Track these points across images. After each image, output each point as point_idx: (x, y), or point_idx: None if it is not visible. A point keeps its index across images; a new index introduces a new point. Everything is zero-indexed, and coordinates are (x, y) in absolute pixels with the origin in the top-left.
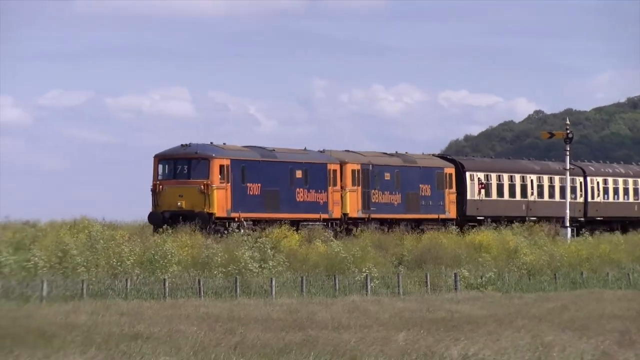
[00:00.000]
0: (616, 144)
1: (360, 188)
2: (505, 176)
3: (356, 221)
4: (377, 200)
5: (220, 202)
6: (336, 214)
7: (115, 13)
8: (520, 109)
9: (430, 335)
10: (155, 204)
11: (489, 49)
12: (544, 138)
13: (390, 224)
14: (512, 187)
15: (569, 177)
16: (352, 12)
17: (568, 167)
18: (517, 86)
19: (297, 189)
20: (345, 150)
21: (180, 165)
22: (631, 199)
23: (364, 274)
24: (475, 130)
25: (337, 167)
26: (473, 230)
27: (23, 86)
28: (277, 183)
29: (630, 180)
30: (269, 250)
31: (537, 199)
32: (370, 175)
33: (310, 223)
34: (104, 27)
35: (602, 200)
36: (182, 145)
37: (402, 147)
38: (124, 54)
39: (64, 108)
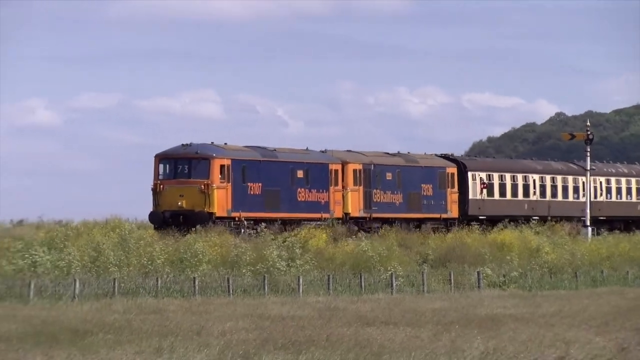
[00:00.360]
0: (636, 145)
1: (361, 188)
2: (508, 176)
3: (358, 220)
4: (378, 200)
5: (220, 201)
6: (337, 213)
7: (146, 17)
8: (542, 111)
9: (454, 331)
10: (155, 203)
11: (511, 52)
12: (565, 139)
13: (392, 223)
14: (514, 187)
15: (588, 177)
16: (378, 15)
17: (589, 168)
18: (538, 88)
19: (298, 189)
20: (347, 150)
21: (180, 165)
22: (634, 199)
23: (389, 273)
24: (498, 132)
25: (339, 167)
26: (495, 230)
27: (56, 89)
28: (278, 183)
29: (634, 180)
30: (297, 250)
31: (539, 199)
32: (371, 175)
33: (311, 222)
34: (134, 31)
35: (605, 199)
36: (182, 145)
37: (426, 148)
38: (154, 58)
39: (96, 110)
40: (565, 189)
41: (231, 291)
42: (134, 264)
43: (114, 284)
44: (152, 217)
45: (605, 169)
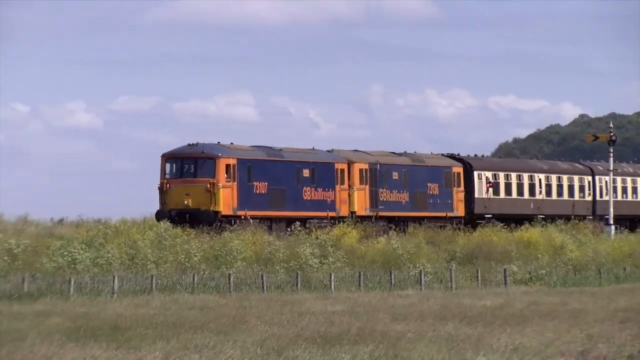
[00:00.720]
0: None
1: (368, 187)
2: (513, 175)
3: (364, 219)
4: (385, 199)
5: (226, 200)
6: (344, 211)
7: (183, 23)
8: (566, 113)
9: (482, 326)
10: (162, 202)
11: (536, 55)
12: (588, 141)
13: (398, 221)
14: (520, 186)
15: (611, 177)
16: (407, 20)
17: (612, 168)
18: (563, 91)
19: (304, 188)
20: (354, 150)
21: (187, 164)
22: (639, 197)
23: (418, 269)
24: (524, 133)
25: (345, 166)
26: (522, 228)
27: (95, 92)
28: (283, 182)
29: (639, 179)
30: (330, 247)
31: (545, 198)
32: (378, 174)
33: (317, 220)
34: (171, 36)
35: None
36: (189, 144)
37: (453, 149)
38: (191, 61)
39: (134, 112)
40: (571, 188)
41: (265, 287)
42: (170, 261)
43: (152, 280)
44: (159, 215)
45: (610, 169)
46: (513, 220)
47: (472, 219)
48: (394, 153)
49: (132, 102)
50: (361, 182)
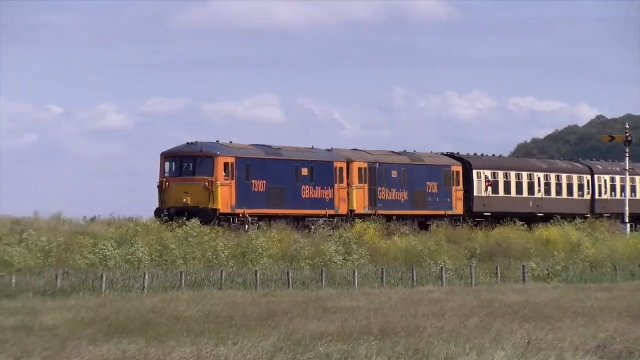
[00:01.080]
0: None
1: (366, 185)
2: (512, 174)
3: (363, 217)
4: (383, 197)
5: (224, 198)
6: (342, 210)
7: (210, 27)
8: (583, 114)
9: (499, 321)
10: (161, 200)
11: (553, 58)
12: (605, 141)
13: (397, 219)
14: (519, 185)
15: (627, 177)
16: (428, 25)
17: (627, 168)
18: (580, 93)
19: (303, 186)
20: (353, 149)
21: (185, 162)
22: (638, 196)
23: (439, 266)
24: (542, 134)
25: (344, 165)
26: (541, 226)
27: (126, 94)
28: (282, 180)
29: (637, 178)
30: (353, 245)
31: (544, 196)
32: (377, 173)
33: (315, 219)
34: (199, 40)
35: (609, 197)
36: (187, 143)
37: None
38: (219, 64)
39: (164, 113)
40: (570, 186)
41: (290, 283)
42: (198, 257)
43: (181, 276)
44: (158, 213)
45: (609, 168)
46: (512, 218)
47: (470, 217)
48: (393, 152)
49: (162, 104)
50: (360, 181)
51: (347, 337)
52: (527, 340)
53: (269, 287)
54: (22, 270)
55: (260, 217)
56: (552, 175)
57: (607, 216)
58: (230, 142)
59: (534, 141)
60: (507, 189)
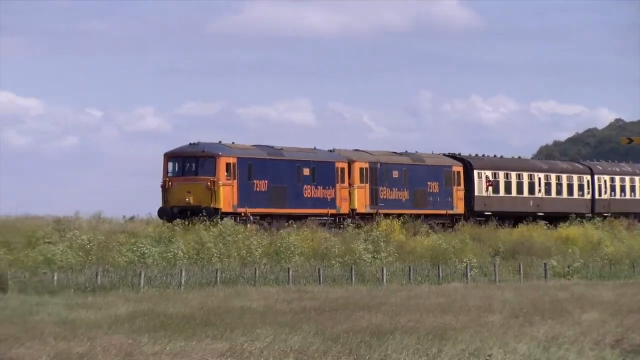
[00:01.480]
0: None
1: (368, 185)
2: (513, 174)
3: (364, 216)
4: (385, 197)
5: (226, 197)
6: (344, 209)
7: (244, 33)
8: (603, 118)
9: (522, 317)
10: (164, 199)
11: (574, 64)
12: (623, 143)
13: (398, 218)
14: (519, 185)
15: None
16: (454, 31)
17: None
18: (599, 97)
19: (305, 186)
20: (354, 150)
21: (188, 162)
22: (637, 196)
23: (464, 264)
24: (563, 137)
25: (345, 165)
26: (562, 225)
27: (163, 98)
28: (284, 180)
29: (637, 179)
30: (382, 243)
31: (545, 196)
32: (378, 173)
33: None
34: (233, 45)
35: (609, 197)
36: (190, 144)
37: (498, 151)
38: (253, 70)
39: (200, 117)
40: (570, 187)
41: (321, 280)
42: (234, 255)
43: (216, 274)
44: (161, 212)
45: (609, 168)
46: (513, 217)
47: (471, 217)
48: (395, 152)
49: (198, 108)
50: (361, 181)
51: (377, 332)
52: (550, 337)
53: (301, 284)
54: (63, 267)
55: (262, 217)
56: (553, 176)
57: (607, 216)
58: (233, 142)
59: (556, 144)
60: (507, 189)
